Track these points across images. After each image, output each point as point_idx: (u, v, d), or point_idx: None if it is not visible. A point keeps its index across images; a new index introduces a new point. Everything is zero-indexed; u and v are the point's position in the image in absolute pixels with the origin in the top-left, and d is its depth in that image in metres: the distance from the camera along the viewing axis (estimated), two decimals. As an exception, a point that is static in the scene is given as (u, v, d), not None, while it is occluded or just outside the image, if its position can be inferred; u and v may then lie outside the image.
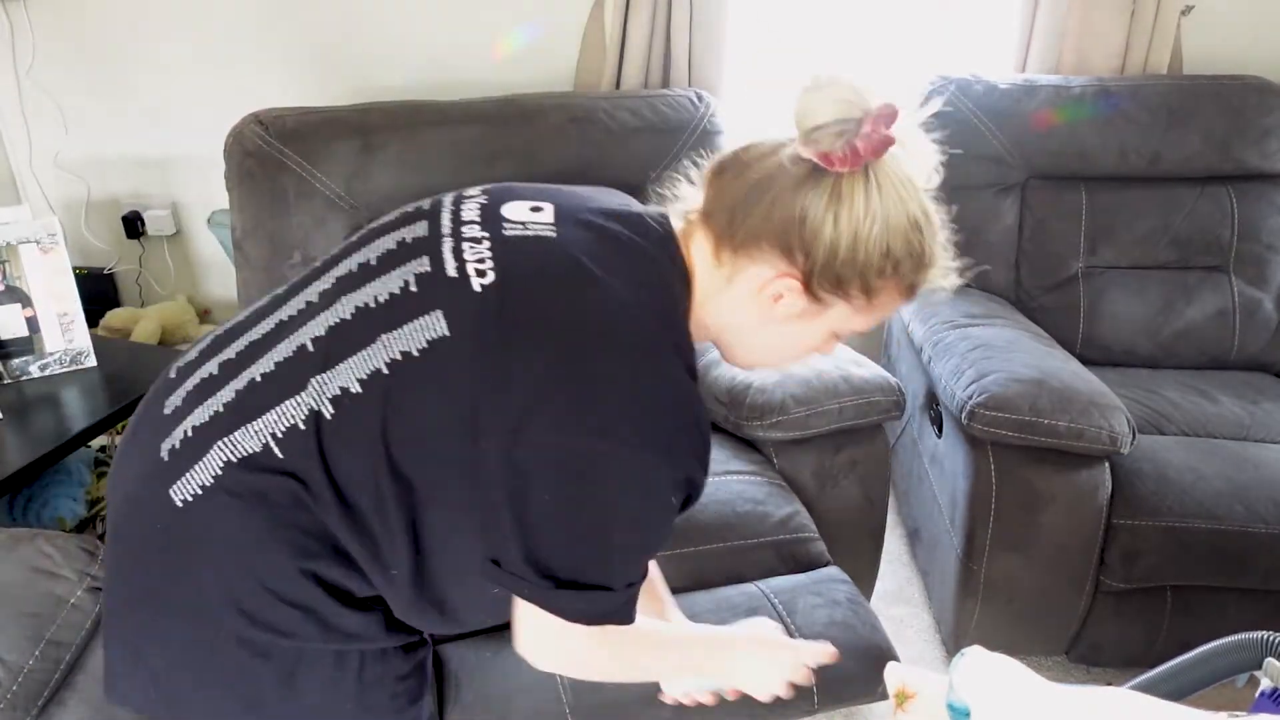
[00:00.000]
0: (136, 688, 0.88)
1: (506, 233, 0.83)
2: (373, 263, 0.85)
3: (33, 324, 1.71)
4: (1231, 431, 1.76)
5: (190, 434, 0.83)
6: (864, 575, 1.69)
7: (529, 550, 0.78)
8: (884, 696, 1.21)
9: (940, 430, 1.81)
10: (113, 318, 2.38)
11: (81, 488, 1.77)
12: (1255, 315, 2.02)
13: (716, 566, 1.39)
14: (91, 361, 1.78)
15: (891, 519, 1.86)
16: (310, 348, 0.82)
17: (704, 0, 2.11)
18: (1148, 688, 0.81)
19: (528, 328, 0.77)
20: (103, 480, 1.82)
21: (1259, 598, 1.62)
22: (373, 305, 0.82)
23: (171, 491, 0.81)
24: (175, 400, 0.87)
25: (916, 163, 0.81)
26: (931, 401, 1.87)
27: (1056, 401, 1.54)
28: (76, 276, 1.73)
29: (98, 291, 2.46)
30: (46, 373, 1.74)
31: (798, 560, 1.43)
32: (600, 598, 0.80)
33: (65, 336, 1.74)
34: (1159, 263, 2.04)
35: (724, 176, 0.84)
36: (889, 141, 0.76)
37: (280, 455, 0.79)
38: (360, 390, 0.78)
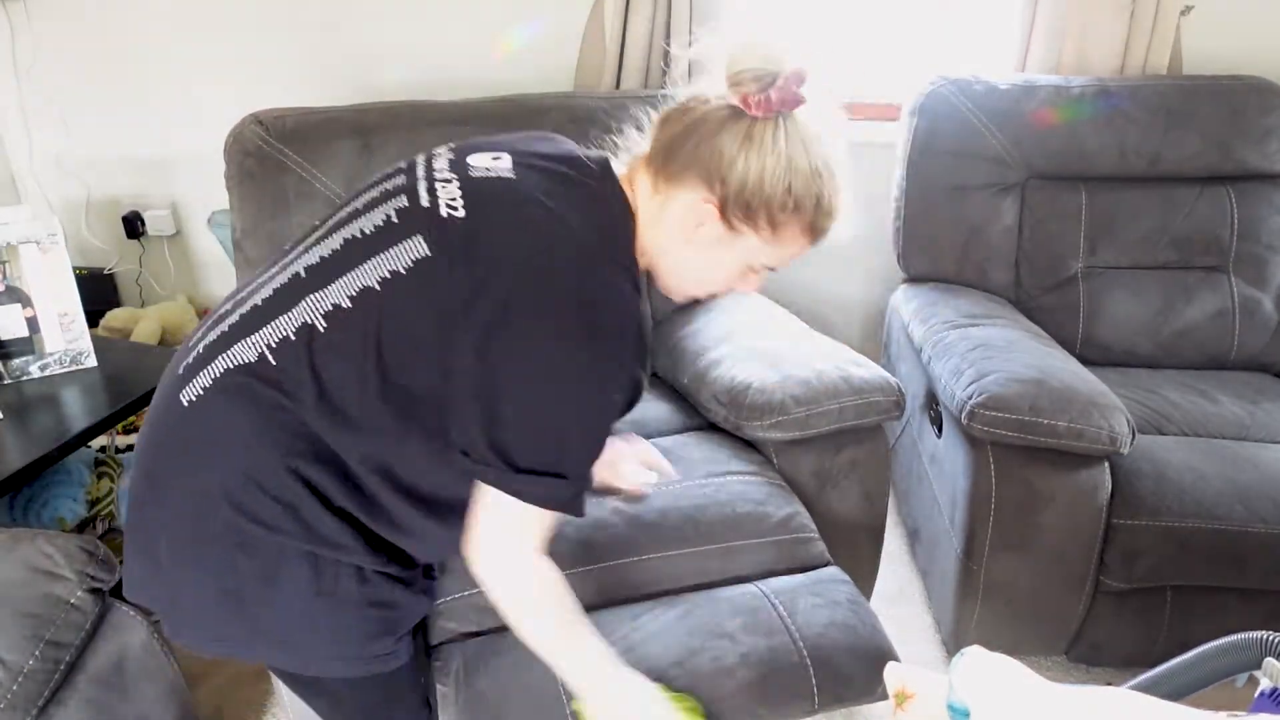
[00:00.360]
0: (148, 584, 1.00)
1: (473, 174, 0.97)
2: (359, 206, 1.00)
3: (33, 324, 1.71)
4: (1231, 431, 1.76)
5: (201, 350, 0.97)
6: (864, 575, 1.69)
7: (493, 439, 0.90)
8: (884, 696, 1.21)
9: (940, 430, 1.81)
10: (113, 318, 2.38)
11: (81, 488, 1.77)
12: (1255, 315, 2.02)
13: (717, 567, 1.39)
14: (91, 362, 1.78)
15: (891, 519, 1.86)
16: (303, 274, 0.96)
17: (704, 0, 2.11)
18: (1147, 688, 0.81)
19: (496, 249, 0.91)
20: (103, 480, 1.82)
21: (1259, 598, 1.62)
22: (359, 236, 0.96)
23: (181, 395, 0.94)
24: (198, 332, 1.01)
25: (825, 122, 0.94)
26: (931, 401, 1.87)
27: (1056, 401, 1.54)
28: (77, 276, 1.73)
29: (98, 291, 2.47)
30: (46, 373, 1.74)
31: (798, 560, 1.43)
32: (554, 484, 0.92)
33: (65, 336, 1.74)
34: (1159, 263, 2.04)
35: (667, 122, 0.98)
36: (798, 99, 0.90)
37: (273, 362, 0.91)
38: (350, 305, 0.91)
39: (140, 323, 2.34)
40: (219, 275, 2.57)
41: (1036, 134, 2.03)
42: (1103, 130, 2.02)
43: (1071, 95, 2.04)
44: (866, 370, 1.61)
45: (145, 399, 1.75)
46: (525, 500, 0.92)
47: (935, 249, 2.09)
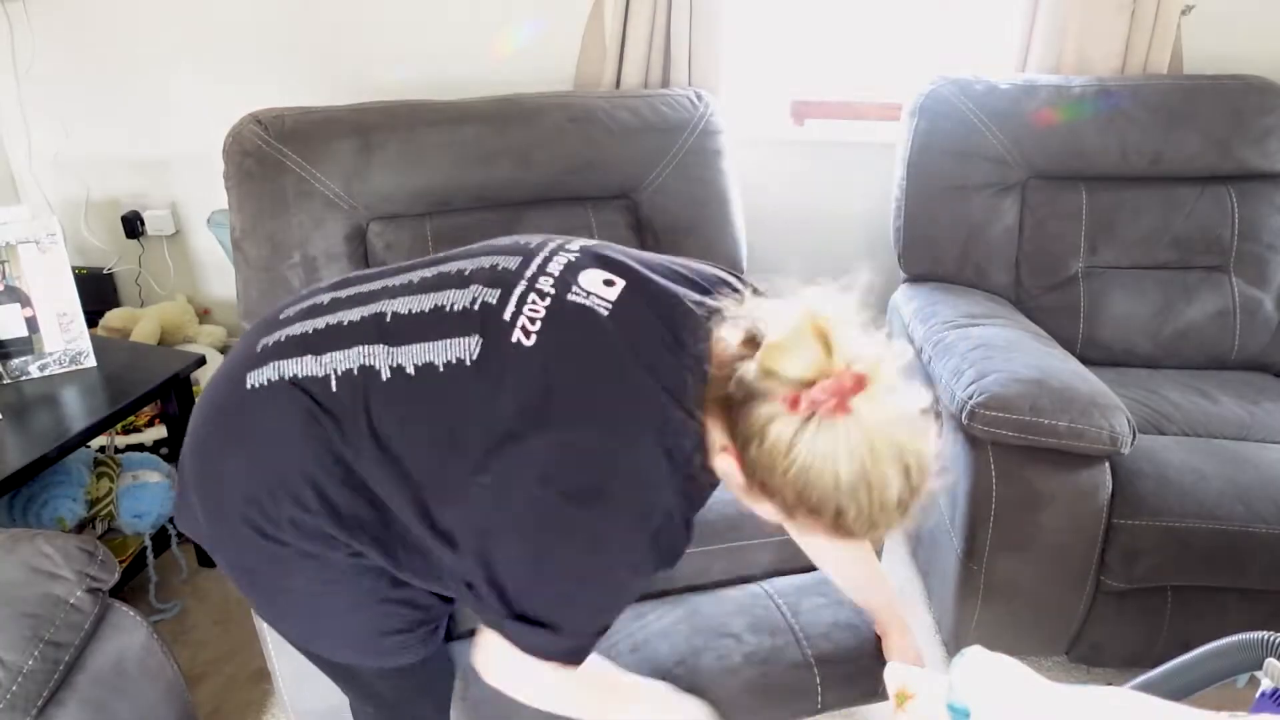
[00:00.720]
0: (190, 520, 1.03)
1: (568, 298, 0.91)
2: (465, 271, 0.96)
3: (32, 324, 1.71)
4: (1232, 431, 1.76)
5: (284, 339, 0.96)
6: (864, 575, 1.68)
7: (491, 579, 0.87)
8: (884, 696, 1.21)
9: (940, 430, 1.81)
10: (112, 318, 2.38)
11: (81, 488, 1.77)
12: (1255, 315, 2.02)
13: (721, 566, 1.39)
14: (91, 361, 1.78)
15: (892, 519, 1.86)
16: (389, 319, 0.94)
17: (704, 0, 2.11)
18: (1148, 688, 0.81)
19: (544, 391, 0.86)
20: (102, 480, 1.82)
21: (1259, 598, 1.62)
22: (444, 308, 0.93)
23: (249, 375, 0.94)
24: (289, 311, 1.01)
25: (887, 426, 0.78)
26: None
27: (1056, 401, 1.53)
28: (76, 276, 1.73)
29: (97, 291, 2.46)
30: (46, 373, 1.74)
31: (801, 560, 1.43)
32: (550, 636, 0.88)
33: (65, 336, 1.74)
34: (1159, 263, 2.04)
35: (760, 362, 0.83)
36: (844, 407, 0.76)
37: (334, 390, 0.91)
38: (413, 374, 0.89)
39: (139, 323, 2.34)
40: (218, 275, 2.56)
41: (1037, 134, 2.03)
42: (1103, 130, 2.02)
43: (1072, 95, 2.04)
44: (867, 370, 1.60)
45: (145, 399, 1.75)
46: (518, 646, 0.89)
47: (935, 249, 2.09)
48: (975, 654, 0.76)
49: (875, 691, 1.25)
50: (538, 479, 0.85)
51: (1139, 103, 2.02)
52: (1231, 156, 2.02)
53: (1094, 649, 1.70)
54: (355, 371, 0.91)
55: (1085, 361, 1.79)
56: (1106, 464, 1.58)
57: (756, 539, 1.42)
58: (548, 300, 0.90)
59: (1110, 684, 0.74)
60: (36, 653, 1.06)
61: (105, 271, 2.48)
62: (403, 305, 0.95)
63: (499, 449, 0.86)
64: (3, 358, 1.71)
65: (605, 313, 0.90)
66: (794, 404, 0.77)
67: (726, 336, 0.87)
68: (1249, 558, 1.56)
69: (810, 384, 0.77)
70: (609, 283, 0.92)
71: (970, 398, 1.57)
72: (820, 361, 0.78)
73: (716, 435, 0.87)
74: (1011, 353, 1.69)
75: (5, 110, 2.35)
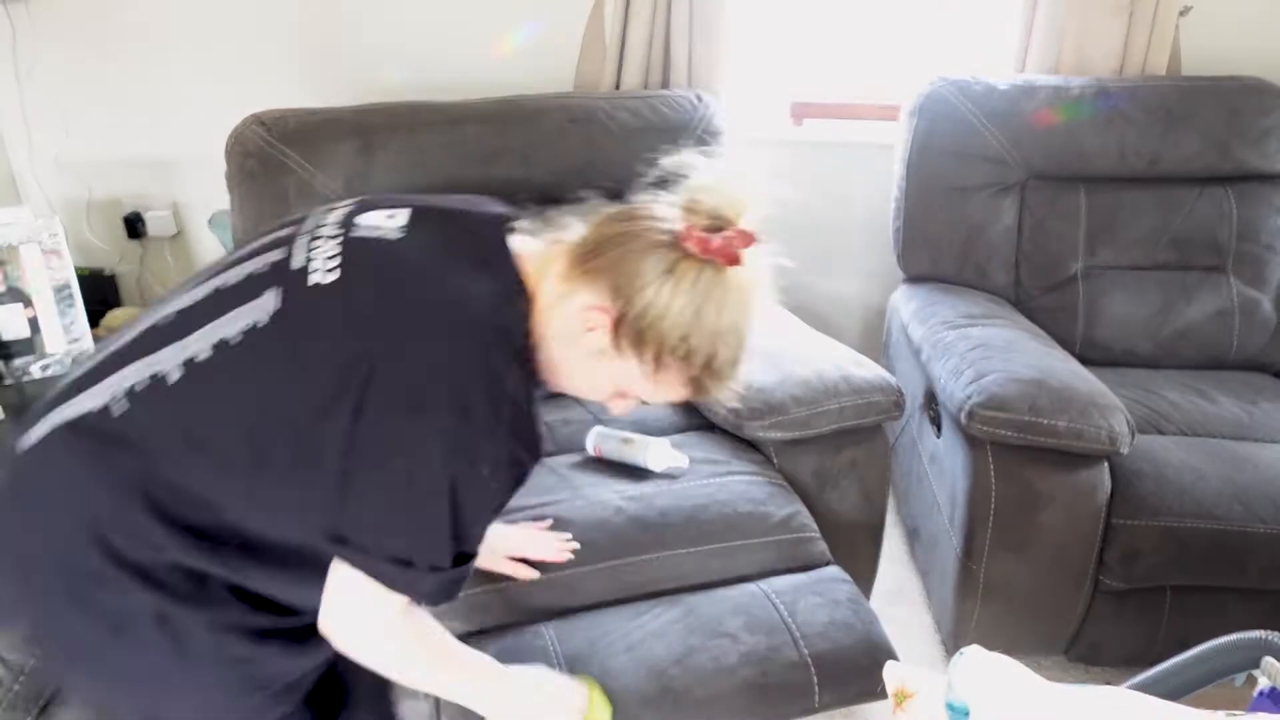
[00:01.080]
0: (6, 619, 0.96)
1: (353, 234, 0.92)
2: (239, 258, 0.96)
3: (34, 324, 1.72)
4: (1231, 431, 1.76)
5: (53, 393, 0.91)
6: (864, 575, 1.69)
7: (351, 518, 0.85)
8: (884, 696, 1.21)
9: (940, 430, 1.81)
10: (114, 318, 2.38)
11: (82, 488, 1.77)
12: (1254, 315, 2.02)
13: (718, 566, 1.39)
14: (92, 362, 1.78)
15: (891, 519, 1.87)
16: (164, 323, 0.91)
17: (704, 0, 2.11)
18: (1147, 687, 0.82)
19: (362, 320, 0.86)
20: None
21: (1258, 598, 1.62)
22: (224, 288, 0.91)
23: (20, 440, 0.88)
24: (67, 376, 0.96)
25: (751, 292, 0.90)
26: (931, 401, 1.87)
27: (1056, 401, 1.54)
28: (78, 277, 1.74)
29: (99, 292, 2.46)
30: (48, 373, 1.75)
31: (798, 560, 1.43)
32: (412, 571, 0.86)
33: (67, 337, 1.75)
34: (1158, 263, 2.04)
35: (609, 221, 0.93)
36: (736, 258, 0.87)
37: (119, 414, 0.85)
38: (209, 357, 0.86)
39: (141, 323, 2.34)
40: (219, 275, 2.57)
41: (1036, 134, 2.03)
42: (1102, 130, 2.02)
43: (1071, 95, 2.04)
44: (866, 370, 1.61)
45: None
46: (382, 583, 0.87)
47: (935, 249, 2.09)
48: (974, 653, 0.76)
49: (873, 691, 1.25)
50: (383, 406, 0.83)
51: (1138, 103, 2.02)
52: (1230, 157, 2.03)
53: (1093, 649, 1.70)
54: (142, 385, 0.85)
55: (1084, 362, 1.79)
56: (1105, 464, 1.58)
57: (753, 539, 1.42)
58: (337, 240, 0.92)
59: (1109, 684, 0.74)
60: (38, 652, 1.07)
61: (107, 272, 2.48)
62: (175, 306, 0.92)
63: (332, 391, 0.83)
64: (5, 358, 1.71)
65: (399, 235, 0.92)
66: (703, 246, 0.86)
67: (527, 226, 0.96)
68: (1248, 557, 1.56)
69: (717, 230, 0.87)
70: (390, 215, 0.95)
71: (969, 398, 1.58)
72: (737, 204, 0.88)
73: (582, 298, 0.90)
74: (1011, 353, 1.69)
75: (7, 111, 2.35)
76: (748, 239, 0.87)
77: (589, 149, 1.91)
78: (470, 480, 0.86)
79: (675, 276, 0.86)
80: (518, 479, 0.91)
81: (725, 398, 0.95)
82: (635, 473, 1.51)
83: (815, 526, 1.49)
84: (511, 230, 0.96)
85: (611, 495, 1.44)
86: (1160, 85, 2.06)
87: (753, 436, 1.59)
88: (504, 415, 0.86)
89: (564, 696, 1.09)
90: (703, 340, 0.88)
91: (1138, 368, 2.01)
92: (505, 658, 1.09)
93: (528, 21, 2.24)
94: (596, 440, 1.55)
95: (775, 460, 1.59)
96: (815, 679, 1.22)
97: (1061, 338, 1.96)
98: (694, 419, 1.71)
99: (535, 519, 1.37)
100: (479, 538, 0.91)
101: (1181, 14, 2.13)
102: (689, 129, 1.98)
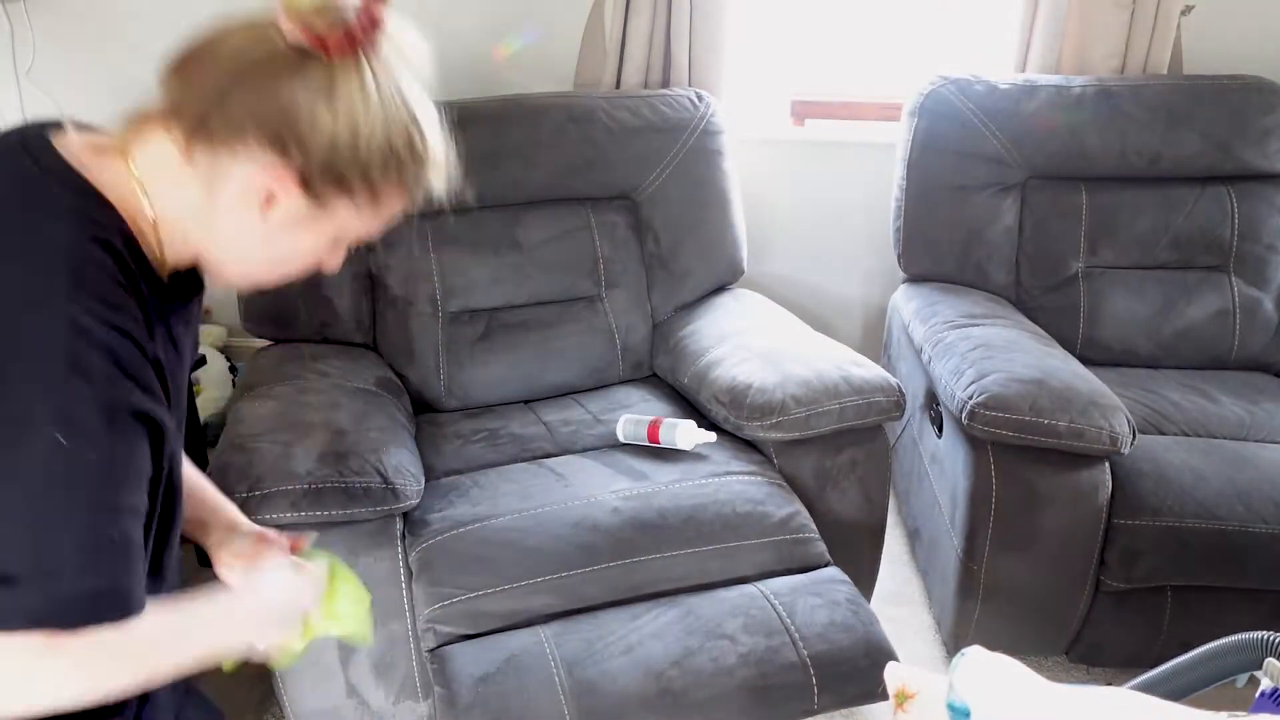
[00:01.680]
0: None
1: None
2: None
3: (32, 324, 1.71)
4: (1231, 431, 1.76)
5: None
6: (864, 575, 1.69)
7: None
8: (884, 696, 1.21)
9: (940, 430, 1.81)
10: (112, 318, 2.38)
11: (81, 488, 1.77)
12: (1255, 315, 2.02)
13: (716, 567, 1.39)
14: (91, 361, 1.78)
15: (891, 519, 1.86)
16: None
17: (704, 0, 2.11)
18: (1148, 688, 0.81)
19: None
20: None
21: (1259, 598, 1.62)
22: None
23: None
24: None
25: (404, 50, 0.77)
26: (931, 401, 1.87)
27: (1056, 401, 1.53)
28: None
29: (98, 291, 2.46)
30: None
31: (798, 560, 1.43)
32: (32, 591, 0.64)
33: (65, 336, 1.74)
34: (1159, 263, 2.04)
35: (190, 69, 0.74)
36: (378, 23, 0.73)
37: None
38: None
39: (140, 323, 2.34)
40: (219, 275, 2.56)
41: (1036, 134, 2.03)
42: (1103, 130, 2.02)
43: (1071, 95, 2.04)
44: (867, 370, 1.61)
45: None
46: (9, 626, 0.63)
47: (935, 249, 2.09)
48: (975, 654, 0.76)
49: (872, 692, 1.25)
50: None
51: (1139, 103, 2.02)
52: (1231, 156, 2.02)
53: (1094, 649, 1.70)
54: None
55: (1085, 361, 1.79)
56: (1106, 464, 1.58)
57: (752, 539, 1.42)
58: None
59: (1110, 684, 0.74)
60: (36, 652, 1.06)
61: (105, 271, 2.48)
62: None
63: None
64: None
65: None
66: (343, 44, 0.71)
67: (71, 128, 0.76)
68: (1249, 557, 1.56)
69: (338, 17, 0.71)
70: None
71: (970, 398, 1.57)
72: None
73: (235, 174, 0.73)
74: (1011, 353, 1.69)
75: (5, 110, 2.35)
76: (374, 6, 0.73)
77: (589, 149, 1.91)
78: (69, 454, 0.65)
79: (340, 90, 0.71)
80: (140, 441, 0.70)
81: (443, 185, 0.82)
82: (635, 472, 1.51)
83: (814, 527, 1.49)
84: (47, 140, 0.75)
85: (609, 496, 1.43)
86: (1161, 85, 2.06)
87: (753, 436, 1.59)
88: (83, 362, 0.65)
89: (289, 595, 0.92)
90: (401, 134, 0.75)
91: (1138, 367, 2.01)
92: (506, 657, 1.08)
93: (528, 22, 2.24)
94: (624, 427, 1.62)
95: (775, 460, 1.59)
96: (814, 680, 1.22)
97: (1062, 337, 1.96)
98: (694, 419, 1.71)
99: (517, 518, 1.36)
100: (98, 535, 0.67)
101: (1183, 13, 2.12)
102: (689, 128, 1.98)
